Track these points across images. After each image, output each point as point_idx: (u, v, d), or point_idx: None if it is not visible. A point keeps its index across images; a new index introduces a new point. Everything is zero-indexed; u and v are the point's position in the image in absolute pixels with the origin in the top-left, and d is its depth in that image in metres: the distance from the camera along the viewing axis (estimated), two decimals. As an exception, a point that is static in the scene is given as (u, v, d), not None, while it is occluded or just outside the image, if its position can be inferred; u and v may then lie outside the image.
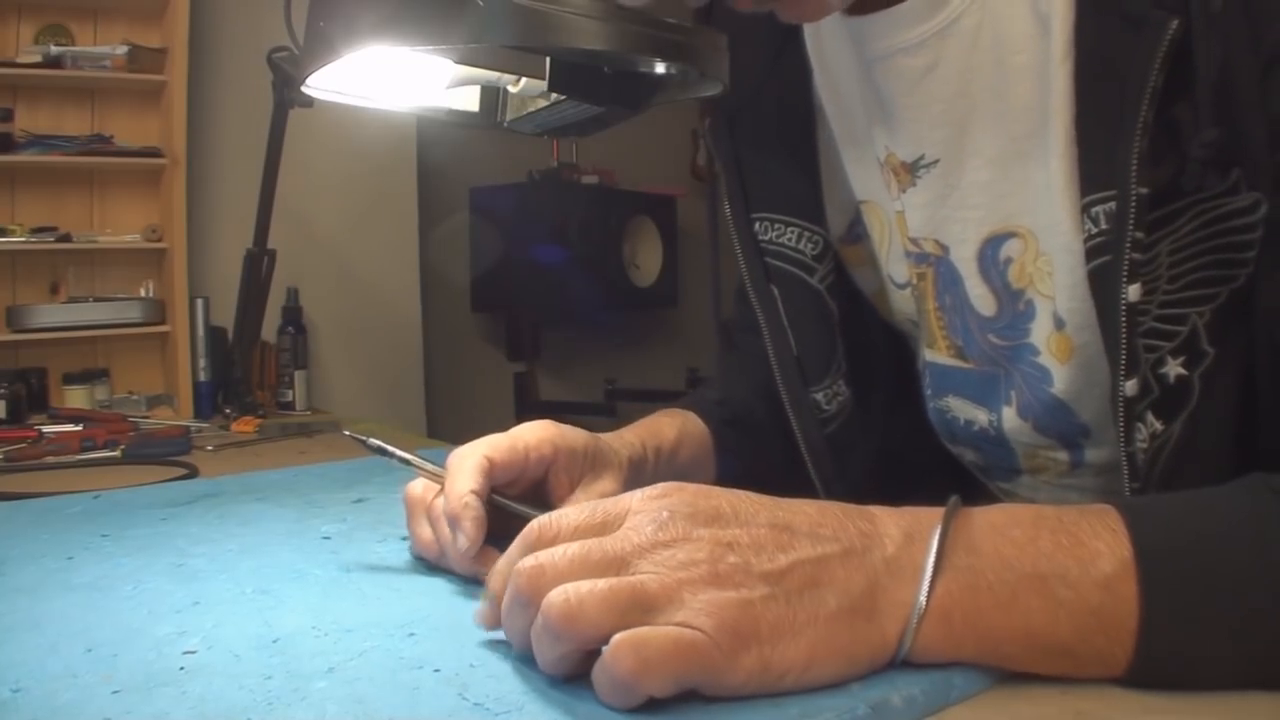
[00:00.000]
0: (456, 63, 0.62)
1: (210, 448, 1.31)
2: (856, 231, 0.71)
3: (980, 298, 0.62)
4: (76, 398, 1.76)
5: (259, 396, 1.79)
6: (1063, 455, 0.62)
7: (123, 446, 1.23)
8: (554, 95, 0.65)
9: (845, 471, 0.73)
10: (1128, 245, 0.48)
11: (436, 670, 0.41)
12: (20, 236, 1.83)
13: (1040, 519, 0.41)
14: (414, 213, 2.56)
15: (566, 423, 0.62)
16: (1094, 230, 0.51)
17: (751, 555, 0.39)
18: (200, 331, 1.85)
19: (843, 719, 0.36)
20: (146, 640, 0.45)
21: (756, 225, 0.71)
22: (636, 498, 0.42)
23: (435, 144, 2.61)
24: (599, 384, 3.27)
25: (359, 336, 2.40)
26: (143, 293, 1.98)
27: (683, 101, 0.63)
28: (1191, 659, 0.39)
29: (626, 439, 0.68)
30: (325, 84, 0.61)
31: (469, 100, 0.71)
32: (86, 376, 1.81)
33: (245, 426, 1.54)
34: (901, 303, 0.71)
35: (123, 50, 1.89)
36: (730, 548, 0.39)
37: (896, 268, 0.69)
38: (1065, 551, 0.39)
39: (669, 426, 0.74)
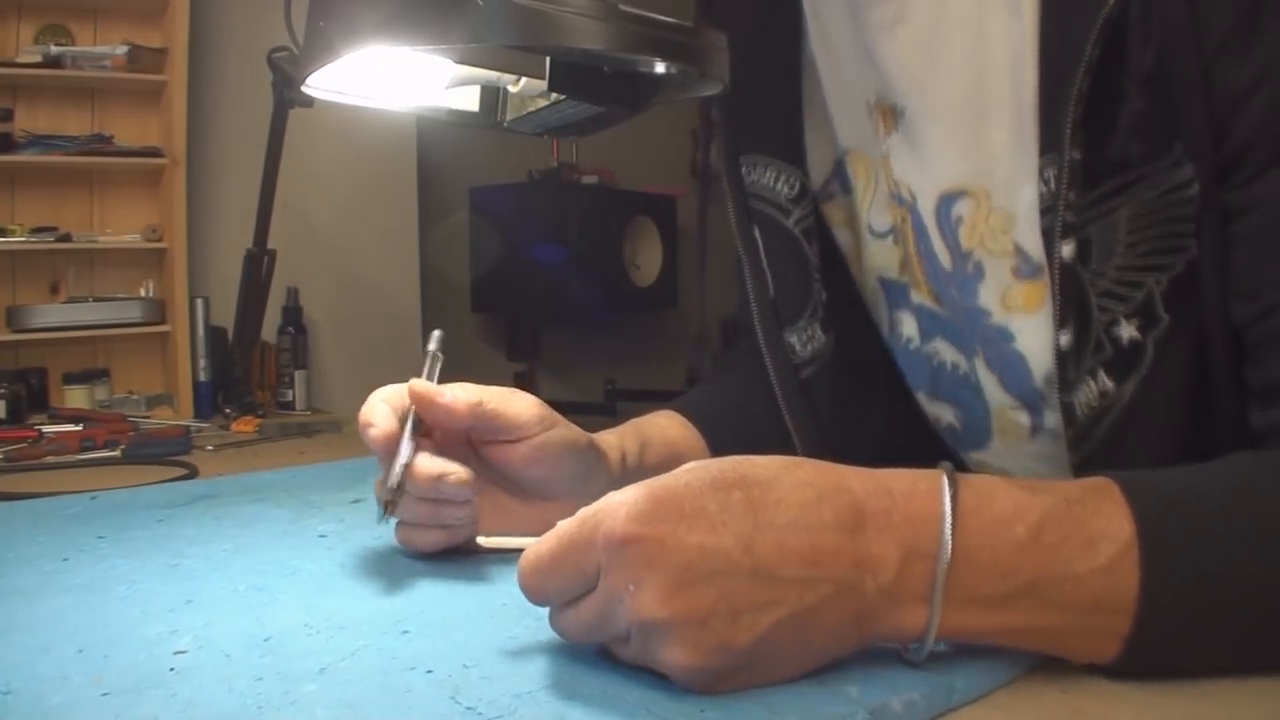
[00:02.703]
0: (456, 63, 0.62)
1: (210, 448, 1.31)
2: (830, 190, 0.73)
3: (940, 252, 0.63)
4: (76, 398, 1.76)
5: (259, 396, 1.79)
6: (1024, 418, 0.63)
7: (123, 446, 1.23)
8: (554, 95, 0.65)
9: (820, 423, 0.73)
10: (1062, 206, 0.51)
11: (429, 671, 0.41)
12: (20, 236, 1.83)
13: (1046, 511, 0.40)
14: (414, 213, 2.56)
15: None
16: (1044, 191, 0.53)
17: (727, 627, 0.37)
18: (200, 331, 1.84)
19: (840, 724, 0.36)
20: (138, 640, 0.45)
21: (743, 168, 0.73)
22: (600, 544, 0.38)
23: (435, 144, 2.61)
24: (599, 384, 3.27)
25: (359, 336, 2.40)
26: (143, 293, 1.98)
27: (683, 101, 0.63)
28: (1186, 635, 0.39)
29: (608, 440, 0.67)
30: (325, 84, 0.61)
31: (469, 100, 0.71)
32: (86, 376, 1.81)
33: (245, 426, 1.54)
34: (876, 256, 0.71)
35: (123, 50, 1.89)
36: (704, 625, 0.37)
37: (879, 216, 0.70)
38: (1069, 543, 0.39)
39: (645, 428, 0.73)
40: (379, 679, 0.40)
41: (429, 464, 0.55)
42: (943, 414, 0.71)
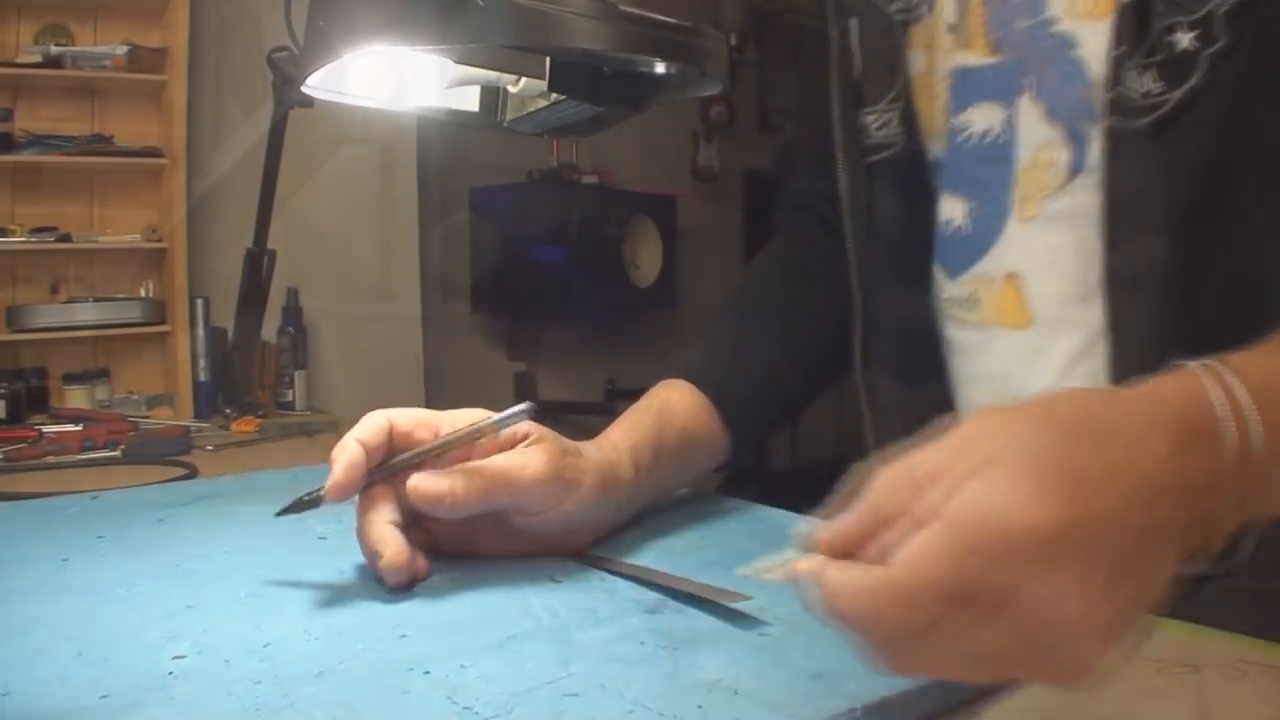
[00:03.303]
0: (456, 63, 0.62)
1: (210, 448, 1.31)
2: (920, 11, 0.72)
3: None
4: (76, 398, 1.76)
5: (259, 396, 1.79)
6: (1064, 156, 0.61)
7: (123, 446, 1.23)
8: (554, 95, 0.65)
9: (876, 229, 0.73)
10: None
11: (426, 672, 0.41)
12: (20, 236, 1.84)
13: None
14: (414, 213, 2.56)
15: (566, 422, 0.61)
16: None
17: (1137, 606, 0.32)
18: (200, 331, 1.85)
19: (839, 724, 0.36)
20: (137, 644, 0.45)
21: None
22: (1004, 549, 0.30)
23: (435, 144, 2.61)
24: (599, 384, 3.27)
25: (359, 336, 2.40)
26: (143, 293, 1.98)
27: (683, 101, 0.63)
28: None
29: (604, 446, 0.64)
30: (325, 84, 0.61)
31: (469, 100, 0.71)
32: (86, 376, 1.81)
33: (245, 426, 1.54)
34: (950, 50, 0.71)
35: (123, 50, 1.89)
36: (1125, 615, 0.31)
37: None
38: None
39: (656, 420, 0.71)
40: (376, 681, 0.40)
41: (374, 533, 0.54)
42: (955, 213, 0.68)
